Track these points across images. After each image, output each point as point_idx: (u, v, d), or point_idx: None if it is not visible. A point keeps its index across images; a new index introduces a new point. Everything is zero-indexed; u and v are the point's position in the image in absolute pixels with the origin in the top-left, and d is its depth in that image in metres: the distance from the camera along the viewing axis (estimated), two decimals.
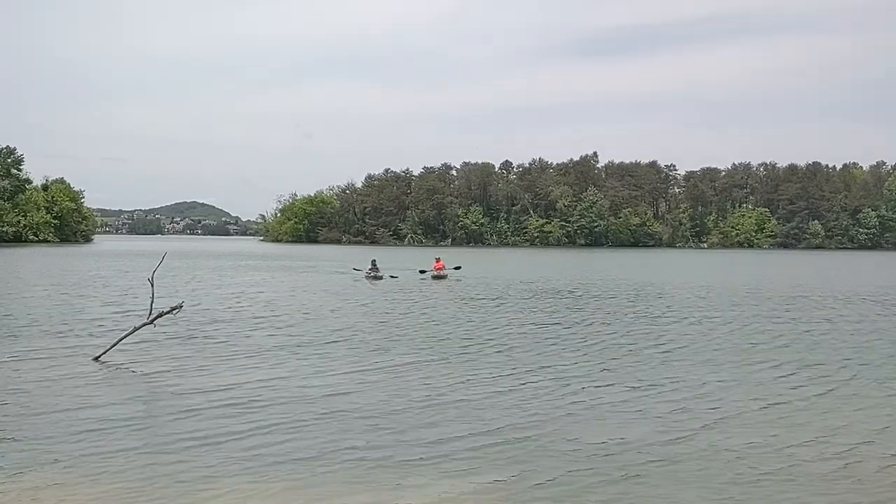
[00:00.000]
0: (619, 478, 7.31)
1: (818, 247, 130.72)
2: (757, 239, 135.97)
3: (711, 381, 11.93)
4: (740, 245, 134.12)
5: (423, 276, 35.98)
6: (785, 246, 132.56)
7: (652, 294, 29.60)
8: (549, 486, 7.08)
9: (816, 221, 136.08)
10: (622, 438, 8.59)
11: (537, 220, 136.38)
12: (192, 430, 8.72)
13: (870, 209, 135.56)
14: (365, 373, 12.31)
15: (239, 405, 9.89)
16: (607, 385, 11.57)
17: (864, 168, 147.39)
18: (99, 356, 13.05)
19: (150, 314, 13.78)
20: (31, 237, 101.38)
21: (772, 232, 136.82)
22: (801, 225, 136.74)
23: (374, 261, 36.59)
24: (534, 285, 33.52)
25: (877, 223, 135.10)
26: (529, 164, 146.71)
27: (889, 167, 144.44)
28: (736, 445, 8.38)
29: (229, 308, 22.04)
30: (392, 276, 34.64)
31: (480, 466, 7.55)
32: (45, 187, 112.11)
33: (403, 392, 10.93)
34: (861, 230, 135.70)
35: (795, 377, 12.51)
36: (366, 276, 34.82)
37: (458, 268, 37.87)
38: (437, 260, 37.01)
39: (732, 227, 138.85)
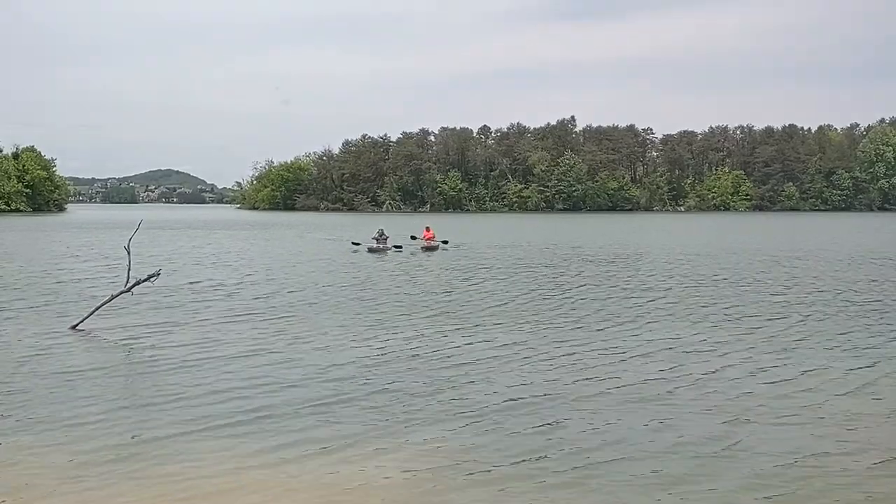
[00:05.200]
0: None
1: (792, 209, 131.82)
2: (733, 202, 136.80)
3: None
4: (716, 208, 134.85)
5: (414, 241, 33.55)
6: (760, 208, 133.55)
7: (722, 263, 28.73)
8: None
9: (791, 184, 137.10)
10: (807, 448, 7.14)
11: (516, 186, 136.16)
12: (167, 396, 8.77)
13: (844, 171, 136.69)
14: (376, 345, 12.16)
15: (214, 372, 9.95)
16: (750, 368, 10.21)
17: (839, 130, 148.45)
18: (76, 325, 13.03)
19: (127, 282, 13.71)
20: (2, 207, 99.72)
21: (747, 195, 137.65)
22: (776, 187, 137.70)
23: (382, 230, 32.75)
24: (559, 252, 33.54)
25: (850, 185, 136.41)
26: (508, 128, 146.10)
27: (863, 129, 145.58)
28: None
29: (211, 277, 21.92)
30: (396, 247, 31.79)
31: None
32: (15, 156, 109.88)
33: (398, 359, 10.99)
34: (835, 192, 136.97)
35: None
36: (368, 249, 31.21)
37: (445, 242, 35.05)
38: (427, 229, 34.31)
39: (709, 190, 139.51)
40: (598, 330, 13.25)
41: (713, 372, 10.08)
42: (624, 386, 9.30)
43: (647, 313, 15.15)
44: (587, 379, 9.68)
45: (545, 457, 6.86)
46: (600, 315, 14.91)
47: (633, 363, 10.59)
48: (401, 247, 31.81)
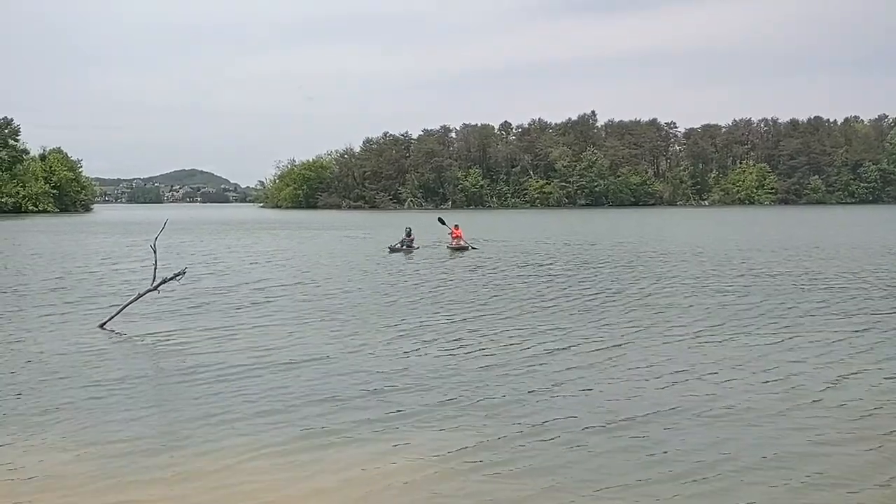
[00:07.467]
0: None
1: (818, 202, 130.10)
2: (758, 195, 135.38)
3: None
4: (741, 202, 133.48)
5: (439, 242, 31.84)
6: (785, 202, 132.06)
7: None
8: None
9: (817, 176, 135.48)
10: None
11: (537, 182, 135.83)
12: (194, 395, 8.78)
13: (871, 163, 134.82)
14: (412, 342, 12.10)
15: (242, 371, 9.95)
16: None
17: (866, 122, 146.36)
18: (104, 323, 13.15)
19: (153, 281, 13.86)
20: (30, 208, 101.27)
21: (772, 188, 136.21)
22: (801, 180, 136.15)
23: (410, 229, 31.40)
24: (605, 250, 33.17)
25: (878, 177, 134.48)
26: (529, 124, 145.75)
27: (891, 120, 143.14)
28: None
29: (238, 276, 21.96)
30: (415, 248, 30.42)
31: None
32: (42, 157, 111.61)
33: (424, 362, 10.98)
34: (862, 184, 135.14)
35: None
36: (391, 250, 29.83)
37: (474, 248, 33.00)
38: (456, 227, 32.03)
39: (733, 184, 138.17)
40: (673, 329, 12.33)
41: (824, 383, 9.01)
42: (716, 397, 8.42)
43: (719, 311, 14.19)
44: (665, 388, 8.80)
45: (638, 484, 6.13)
46: (672, 315, 13.85)
47: (721, 370, 9.60)
48: (418, 247, 30.49)
